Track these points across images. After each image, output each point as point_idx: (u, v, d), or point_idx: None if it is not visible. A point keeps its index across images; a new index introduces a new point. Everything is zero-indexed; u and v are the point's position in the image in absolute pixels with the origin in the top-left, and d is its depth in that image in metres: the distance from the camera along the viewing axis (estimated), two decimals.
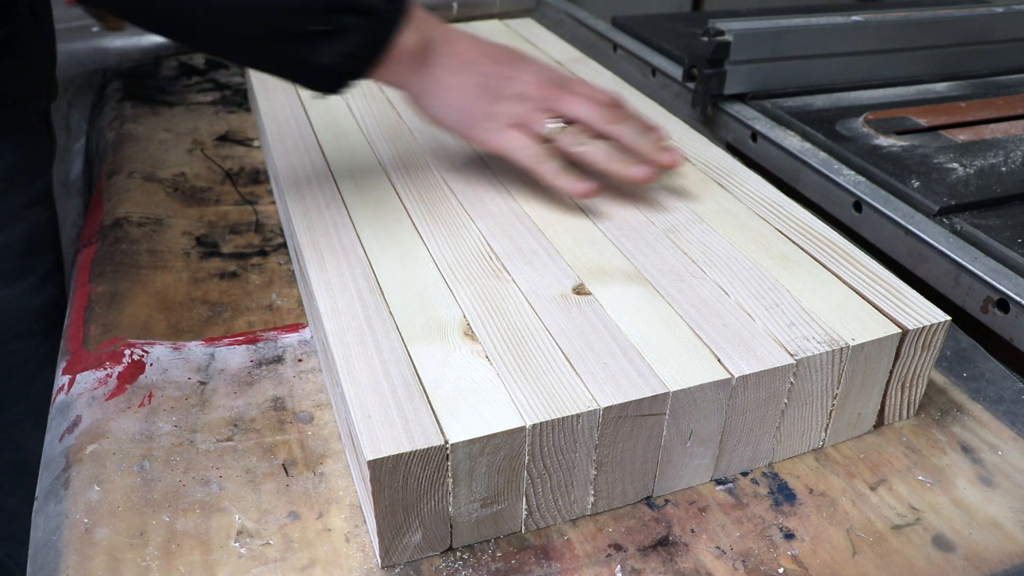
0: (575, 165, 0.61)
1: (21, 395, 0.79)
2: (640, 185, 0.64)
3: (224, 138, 0.89)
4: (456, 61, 0.60)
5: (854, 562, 0.45)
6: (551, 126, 0.60)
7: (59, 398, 0.54)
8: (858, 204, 0.76)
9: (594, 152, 0.60)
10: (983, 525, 0.47)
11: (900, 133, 0.86)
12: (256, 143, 0.88)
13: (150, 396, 0.53)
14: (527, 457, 0.43)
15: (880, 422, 0.54)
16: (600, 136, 0.60)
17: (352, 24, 0.54)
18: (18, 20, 0.69)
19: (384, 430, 0.41)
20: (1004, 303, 0.63)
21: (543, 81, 0.61)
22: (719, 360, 0.46)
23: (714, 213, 0.61)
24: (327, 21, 0.53)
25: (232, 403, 0.53)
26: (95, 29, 1.11)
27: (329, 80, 0.57)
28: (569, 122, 0.60)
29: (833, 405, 0.50)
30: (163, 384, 0.54)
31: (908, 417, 0.55)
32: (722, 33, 0.89)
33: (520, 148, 0.60)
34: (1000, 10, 1.03)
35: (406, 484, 0.41)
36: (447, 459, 0.41)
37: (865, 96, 0.97)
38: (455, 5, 1.27)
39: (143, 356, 0.56)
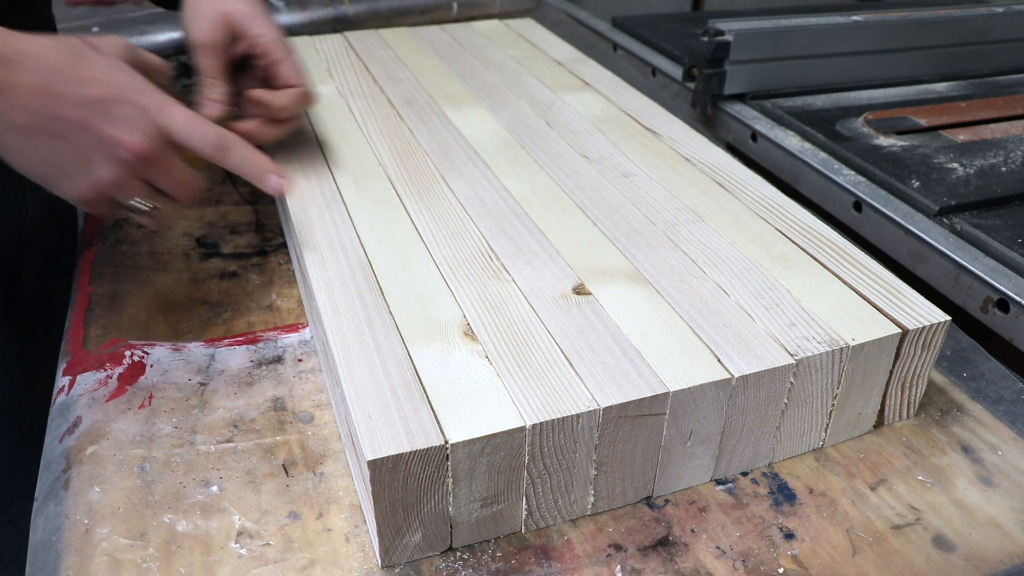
0: None
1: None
2: (641, 188, 0.64)
3: None
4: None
5: (854, 562, 0.45)
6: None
7: (59, 399, 0.54)
8: (858, 204, 0.76)
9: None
10: (983, 525, 0.47)
11: (900, 133, 0.86)
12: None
13: (150, 397, 0.53)
14: (527, 457, 0.43)
15: (880, 422, 0.54)
16: None
17: None
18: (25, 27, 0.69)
19: (384, 430, 0.41)
20: (1004, 303, 0.63)
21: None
22: (719, 360, 0.46)
23: (714, 213, 0.61)
24: None
25: (232, 404, 0.53)
26: (95, 29, 1.11)
27: None
28: None
29: (833, 405, 0.50)
30: (163, 385, 0.54)
31: (908, 417, 0.55)
32: (722, 33, 0.89)
33: None
34: (1000, 10, 1.03)
35: (406, 484, 0.41)
36: (447, 459, 0.41)
37: (865, 96, 0.97)
38: (455, 5, 1.27)
39: (143, 357, 0.56)
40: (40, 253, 0.76)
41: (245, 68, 0.64)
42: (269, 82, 0.63)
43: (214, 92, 0.60)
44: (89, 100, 0.47)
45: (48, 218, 0.76)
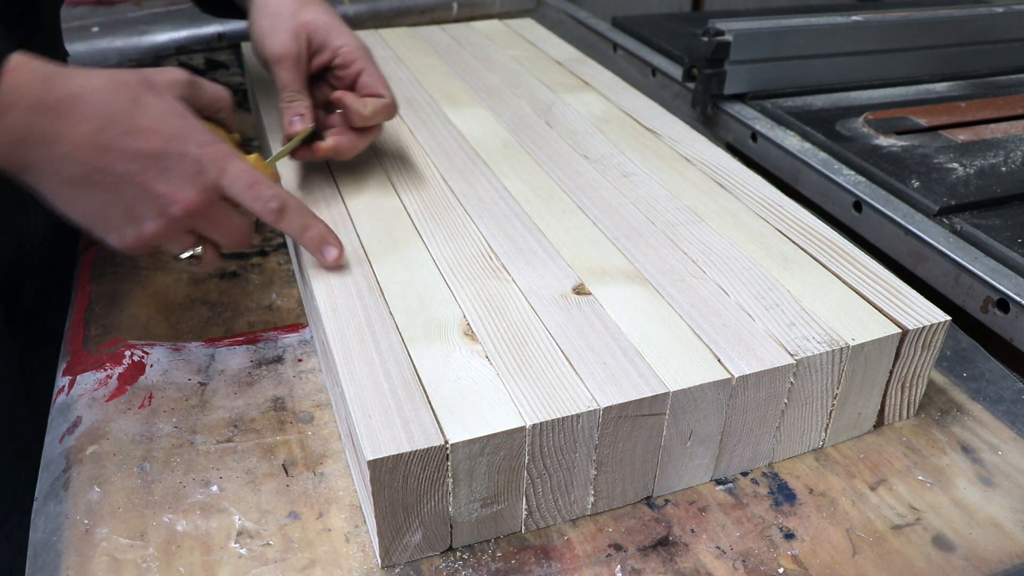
0: None
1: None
2: (640, 185, 0.64)
3: None
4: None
5: (854, 562, 0.45)
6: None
7: (59, 399, 0.54)
8: (858, 204, 0.76)
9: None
10: (983, 525, 0.47)
11: (900, 133, 0.86)
12: (256, 143, 0.88)
13: (150, 397, 0.53)
14: (527, 457, 0.43)
15: (880, 422, 0.54)
16: None
17: None
18: (36, 34, 0.68)
19: (384, 430, 0.41)
20: (1004, 303, 0.63)
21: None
22: (719, 360, 0.46)
23: (714, 213, 0.61)
24: None
25: (232, 403, 0.53)
26: (95, 29, 1.11)
27: None
28: None
29: (833, 405, 0.50)
30: (163, 385, 0.54)
31: (908, 417, 0.55)
32: (722, 33, 0.89)
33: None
34: (1000, 10, 1.03)
35: (406, 484, 0.41)
36: (447, 459, 0.41)
37: (865, 96, 0.97)
38: (455, 5, 1.28)
39: (143, 357, 0.56)
40: (42, 269, 0.76)
41: (320, 79, 0.63)
42: (352, 92, 0.62)
43: (298, 106, 0.59)
44: (142, 153, 0.45)
45: (50, 234, 0.76)
